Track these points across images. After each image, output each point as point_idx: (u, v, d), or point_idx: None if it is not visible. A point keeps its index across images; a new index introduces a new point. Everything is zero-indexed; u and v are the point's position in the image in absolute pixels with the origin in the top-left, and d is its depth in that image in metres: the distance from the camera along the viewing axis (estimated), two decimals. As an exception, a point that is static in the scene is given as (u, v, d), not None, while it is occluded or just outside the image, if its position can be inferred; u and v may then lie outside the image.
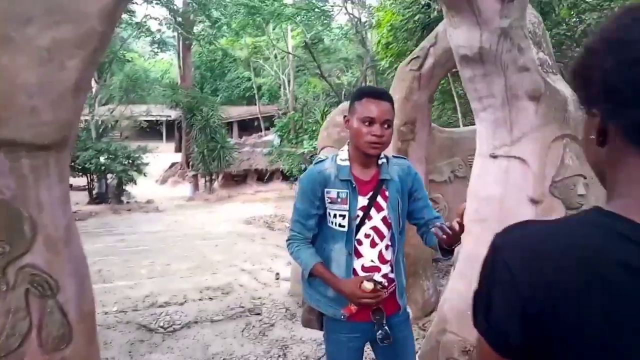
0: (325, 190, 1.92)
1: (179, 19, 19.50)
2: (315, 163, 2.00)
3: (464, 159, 5.64)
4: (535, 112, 2.53)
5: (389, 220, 1.95)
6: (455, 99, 9.45)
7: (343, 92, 26.87)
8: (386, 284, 1.91)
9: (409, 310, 2.08)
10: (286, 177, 18.92)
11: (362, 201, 1.93)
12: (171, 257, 7.41)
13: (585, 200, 2.60)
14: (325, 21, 24.80)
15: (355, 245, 1.93)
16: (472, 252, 2.68)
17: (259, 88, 28.93)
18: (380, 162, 1.98)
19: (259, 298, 5.16)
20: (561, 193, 2.57)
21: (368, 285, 1.80)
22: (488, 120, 2.66)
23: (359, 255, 1.94)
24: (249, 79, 29.05)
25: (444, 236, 1.67)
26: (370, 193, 1.93)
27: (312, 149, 16.17)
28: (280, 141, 20.22)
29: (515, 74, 2.44)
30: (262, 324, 4.43)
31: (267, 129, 26.75)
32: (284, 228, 10.36)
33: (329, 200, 1.92)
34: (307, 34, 24.23)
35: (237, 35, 23.41)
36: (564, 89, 2.71)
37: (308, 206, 1.94)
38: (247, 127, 28.57)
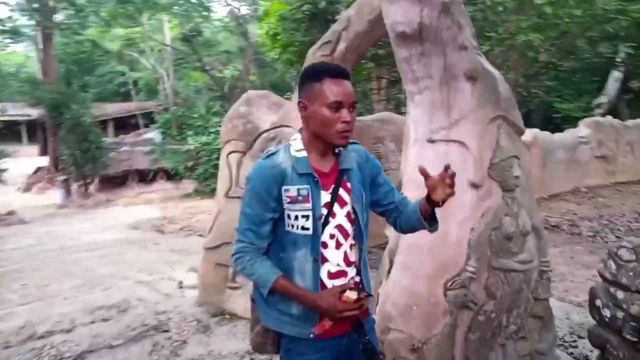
0: (283, 188, 1.61)
1: (36, 5, 17.23)
2: (266, 157, 1.66)
3: (370, 148, 5.61)
4: (472, 94, 2.45)
5: (353, 216, 1.70)
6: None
7: (226, 86, 26.14)
8: (367, 291, 1.66)
9: (373, 315, 1.85)
10: (171, 176, 17.82)
11: (325, 197, 1.65)
12: (48, 275, 6.40)
13: (519, 182, 2.59)
14: (204, 12, 23.81)
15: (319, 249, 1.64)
16: (415, 242, 2.54)
17: (135, 83, 26.98)
18: (337, 150, 1.71)
19: (164, 312, 4.61)
20: (498, 175, 2.52)
21: (352, 295, 1.54)
22: (424, 103, 2.53)
23: (323, 260, 1.66)
24: (123, 74, 26.95)
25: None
26: (332, 186, 1.66)
27: (199, 145, 15.38)
28: (163, 138, 18.98)
29: (455, 52, 2.33)
30: (172, 342, 3.93)
31: (146, 126, 25.04)
32: (176, 231, 9.65)
33: (288, 200, 1.61)
34: (185, 25, 23.02)
35: (108, 25, 21.47)
36: (491, 69, 2.67)
37: (261, 210, 1.61)
38: (124, 125, 26.43)
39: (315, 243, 1.63)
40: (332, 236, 1.67)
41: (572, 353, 3.18)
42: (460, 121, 2.46)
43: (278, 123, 4.34)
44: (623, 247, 2.53)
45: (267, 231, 1.64)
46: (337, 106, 1.56)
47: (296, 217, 1.61)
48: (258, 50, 26.48)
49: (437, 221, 1.74)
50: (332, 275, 1.67)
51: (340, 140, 1.60)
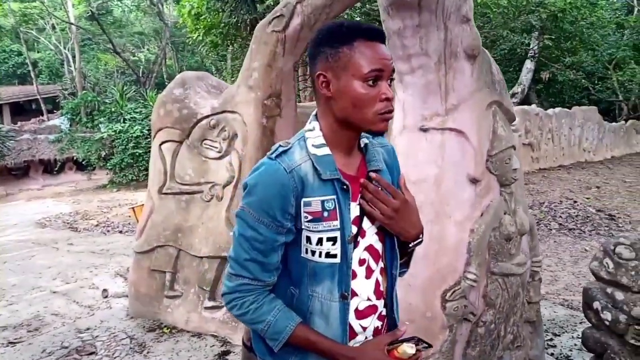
0: (303, 200, 1.15)
1: None
2: (276, 155, 1.17)
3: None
4: (471, 75, 2.12)
5: (382, 231, 1.27)
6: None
7: (141, 70, 24.41)
8: (426, 344, 1.23)
9: None
10: (82, 166, 16.29)
11: (354, 210, 1.21)
12: None
13: (518, 175, 2.32)
14: (113, -11, 22.01)
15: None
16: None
17: (35, 64, 24.34)
18: (363, 143, 1.28)
19: (88, 329, 3.93)
20: (497, 168, 2.23)
21: (409, 350, 1.13)
22: (417, 85, 2.16)
23: (352, 294, 1.23)
24: (20, 53, 24.20)
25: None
26: (359, 194, 1.23)
27: (113, 133, 14.14)
28: (71, 125, 17.27)
29: (458, 25, 1.97)
30: (101, 367, 3.31)
31: (50, 112, 22.72)
32: (92, 227, 8.69)
33: (309, 218, 1.15)
34: (92, 2, 21.07)
35: (-1, -2, 19.07)
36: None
37: (271, 232, 1.14)
38: (23, 110, 23.77)
39: (344, 273, 1.19)
40: (362, 262, 1.23)
41: (552, 353, 3.04)
42: (458, 106, 2.13)
43: (220, 108, 3.80)
44: (620, 244, 2.35)
45: (278, 261, 1.18)
46: (375, 77, 1.12)
47: (319, 241, 1.16)
48: (175, 32, 25.03)
49: (407, 264, 1.38)
50: (360, 314, 1.24)
51: (381, 125, 1.16)
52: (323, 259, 1.17)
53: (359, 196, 1.21)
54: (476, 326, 2.22)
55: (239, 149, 3.69)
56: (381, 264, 1.28)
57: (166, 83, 24.92)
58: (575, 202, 7.76)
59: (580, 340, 3.23)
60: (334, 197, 1.16)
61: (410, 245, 1.28)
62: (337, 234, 1.16)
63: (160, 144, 4.02)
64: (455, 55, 2.05)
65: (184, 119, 3.91)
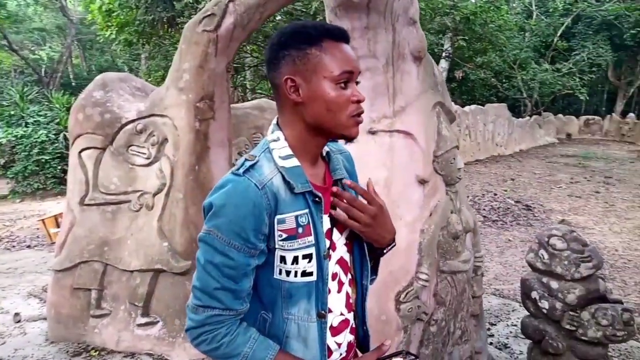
0: (276, 218, 1.07)
1: None
2: (244, 170, 1.07)
3: (249, 138, 5.08)
4: (417, 77, 2.14)
5: (349, 241, 1.23)
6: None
7: (44, 69, 22.57)
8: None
9: None
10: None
11: (326, 222, 1.15)
12: None
13: (462, 174, 2.38)
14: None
15: None
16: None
17: None
18: (324, 151, 1.23)
19: (1, 361, 3.53)
20: (442, 168, 2.28)
21: None
22: (365, 87, 2.12)
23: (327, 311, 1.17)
24: None
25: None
26: (330, 205, 1.16)
27: (14, 138, 12.91)
28: (-42, 130, 15.56)
29: (405, 27, 1.97)
30: (22, 402, 2.98)
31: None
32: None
33: (283, 236, 1.08)
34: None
35: None
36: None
37: (244, 256, 1.04)
38: None
39: (320, 291, 1.13)
40: (334, 276, 1.18)
41: (491, 343, 3.17)
42: (406, 108, 2.13)
43: (147, 112, 3.57)
44: (554, 235, 2.50)
45: (250, 287, 1.09)
46: (346, 79, 1.07)
47: (294, 260, 1.09)
48: (82, 29, 23.41)
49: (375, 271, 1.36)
50: (334, 331, 1.19)
51: (353, 130, 1.11)
52: (299, 279, 1.11)
53: (330, 207, 1.15)
54: (428, 325, 2.25)
55: (170, 154, 3.48)
56: (349, 275, 1.24)
57: (73, 84, 23.35)
58: (495, 194, 8.25)
59: (515, 327, 3.43)
60: (307, 210, 1.10)
61: (385, 251, 1.26)
62: (313, 250, 1.10)
63: (80, 152, 3.69)
64: (402, 57, 2.05)
65: (106, 124, 3.62)
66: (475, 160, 12.63)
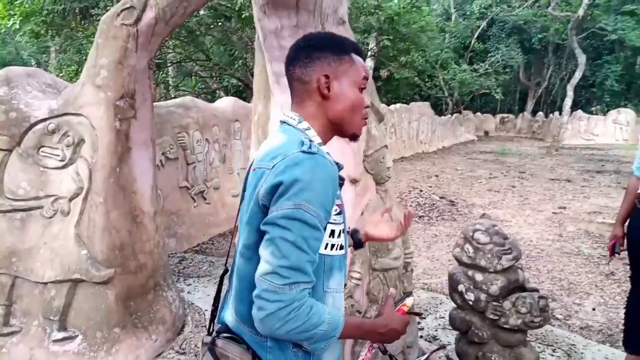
0: (338, 194, 1.21)
1: None
2: (316, 150, 1.14)
3: (174, 137, 4.89)
4: (347, 76, 2.13)
5: None
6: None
7: None
8: None
9: None
10: None
11: None
12: None
13: (391, 173, 2.41)
14: None
15: None
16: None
17: None
18: None
19: None
20: (372, 168, 2.30)
21: (409, 302, 1.36)
22: (294, 86, 2.10)
23: None
24: None
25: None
26: None
27: None
28: None
29: (334, 27, 1.96)
30: None
31: None
32: None
33: (338, 210, 1.20)
34: None
35: None
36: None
37: (323, 227, 1.14)
38: None
39: (344, 263, 1.32)
40: None
41: (421, 336, 3.26)
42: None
43: (60, 111, 3.30)
44: (477, 230, 2.60)
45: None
46: (364, 86, 1.30)
47: (339, 234, 1.21)
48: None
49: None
50: None
51: (361, 131, 1.35)
52: (337, 252, 1.21)
53: None
54: (362, 324, 2.26)
55: (88, 156, 3.25)
56: None
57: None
58: (421, 190, 8.55)
59: (443, 319, 3.55)
60: (339, 190, 1.21)
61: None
62: (344, 225, 1.23)
63: (-18, 154, 3.36)
64: (331, 56, 2.03)
65: (12, 124, 3.32)
66: (400, 157, 13.05)
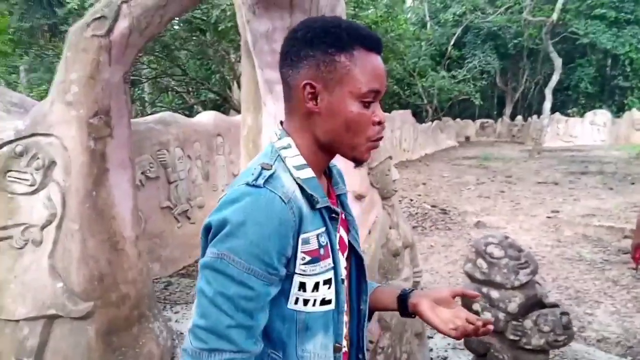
0: (301, 238, 0.92)
1: None
2: (264, 180, 0.89)
3: (154, 155, 4.62)
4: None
5: (348, 262, 1.11)
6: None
7: None
8: None
9: None
10: None
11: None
12: None
13: (397, 186, 2.21)
14: None
15: None
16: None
17: None
18: None
19: None
20: (378, 181, 2.10)
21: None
22: (290, 94, 1.89)
23: None
24: None
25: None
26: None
27: None
28: None
29: (333, 27, 1.75)
30: None
31: None
32: None
33: (306, 259, 0.93)
34: None
35: None
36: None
37: (264, 284, 0.87)
38: None
39: (337, 321, 1.00)
40: None
41: (431, 358, 3.04)
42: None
43: (28, 131, 3.03)
44: (490, 243, 2.41)
45: (264, 323, 0.91)
46: (372, 98, 0.94)
47: (315, 286, 0.94)
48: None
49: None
50: None
51: (366, 155, 1.00)
52: (317, 308, 0.96)
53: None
54: (375, 354, 2.04)
55: (60, 179, 2.98)
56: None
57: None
58: (411, 200, 8.39)
59: (452, 339, 3.35)
60: (324, 228, 0.96)
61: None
62: (332, 274, 0.97)
63: (-58, 181, 3.06)
64: (330, 60, 1.83)
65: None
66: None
